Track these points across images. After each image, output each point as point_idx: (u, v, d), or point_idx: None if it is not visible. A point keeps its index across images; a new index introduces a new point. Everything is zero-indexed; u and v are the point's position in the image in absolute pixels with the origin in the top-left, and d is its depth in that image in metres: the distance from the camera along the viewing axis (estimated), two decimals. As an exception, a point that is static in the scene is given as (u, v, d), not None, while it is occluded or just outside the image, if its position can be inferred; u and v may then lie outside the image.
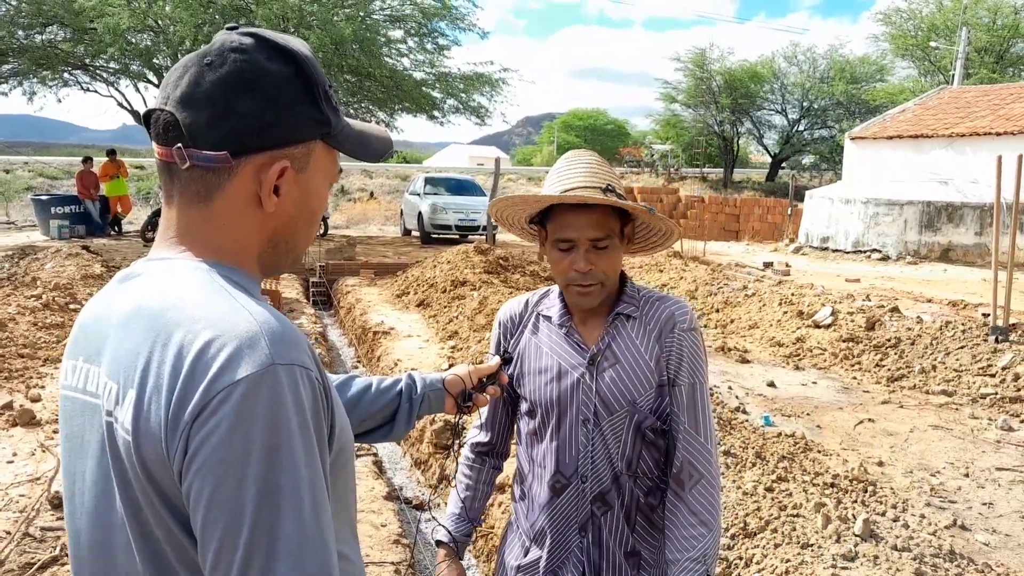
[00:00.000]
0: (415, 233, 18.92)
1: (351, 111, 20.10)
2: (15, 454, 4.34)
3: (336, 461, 0.94)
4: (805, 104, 37.82)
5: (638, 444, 1.61)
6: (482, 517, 1.89)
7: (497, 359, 1.62)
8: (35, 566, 3.16)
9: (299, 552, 0.81)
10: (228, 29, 0.98)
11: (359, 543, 1.06)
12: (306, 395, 0.85)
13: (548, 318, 1.70)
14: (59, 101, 19.10)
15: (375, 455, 5.21)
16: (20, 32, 16.57)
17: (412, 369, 6.24)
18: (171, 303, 0.88)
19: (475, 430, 1.87)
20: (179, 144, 0.93)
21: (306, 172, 0.99)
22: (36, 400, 5.24)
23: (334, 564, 0.85)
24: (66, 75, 18.47)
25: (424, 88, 19.01)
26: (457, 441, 1.78)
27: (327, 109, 0.99)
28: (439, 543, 1.81)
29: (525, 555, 1.72)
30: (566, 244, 1.58)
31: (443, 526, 1.81)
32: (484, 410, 1.82)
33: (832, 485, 4.03)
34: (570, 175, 1.58)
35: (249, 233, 0.98)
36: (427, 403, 1.49)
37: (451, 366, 4.50)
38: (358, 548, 1.05)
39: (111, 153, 17.44)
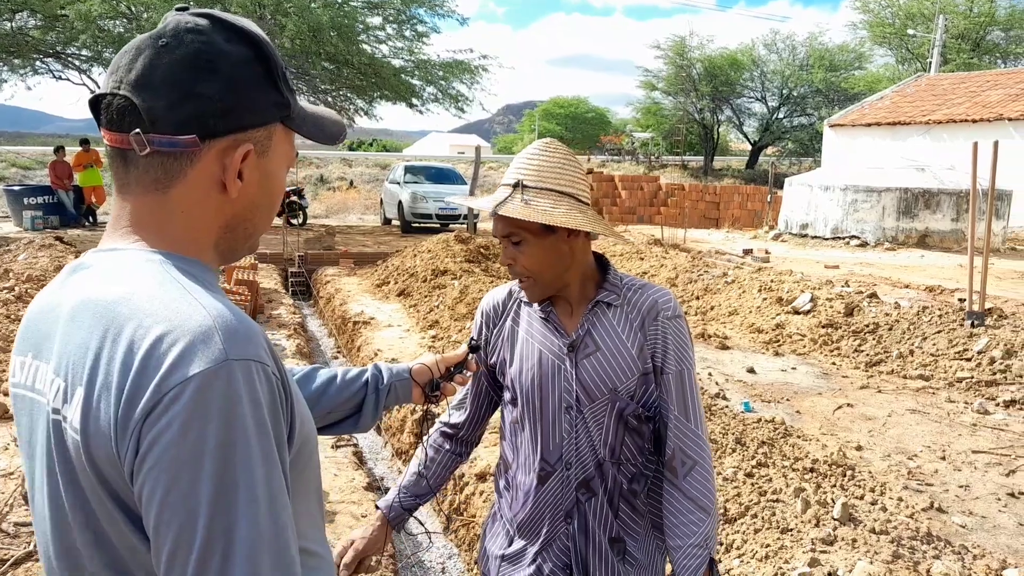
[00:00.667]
0: (395, 222, 18.81)
1: (329, 99, 19.89)
2: (-13, 449, 4.26)
3: (298, 457, 0.91)
4: (784, 92, 38.00)
5: (620, 431, 1.60)
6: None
7: (464, 347, 1.61)
8: (8, 562, 3.10)
9: (256, 553, 0.78)
10: (178, 10, 0.94)
11: (326, 537, 1.03)
12: (262, 391, 0.82)
13: (529, 305, 1.69)
14: (28, 89, 18.73)
15: (355, 445, 5.18)
16: (-11, 19, 16.22)
17: (392, 360, 6.20)
18: (121, 296, 0.84)
19: (449, 411, 1.86)
20: (137, 129, 0.88)
21: (267, 155, 0.97)
22: (9, 394, 5.16)
23: (293, 564, 0.83)
24: (37, 63, 18.11)
25: (403, 76, 18.86)
26: (428, 430, 1.76)
27: (286, 91, 0.96)
28: (376, 507, 1.80)
29: (509, 544, 1.71)
30: (497, 239, 1.61)
31: (397, 495, 1.79)
32: (460, 392, 1.80)
33: (811, 470, 4.06)
34: (511, 168, 1.59)
35: (207, 220, 0.94)
36: (394, 393, 1.48)
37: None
38: (325, 542, 1.02)
39: (84, 142, 17.14)
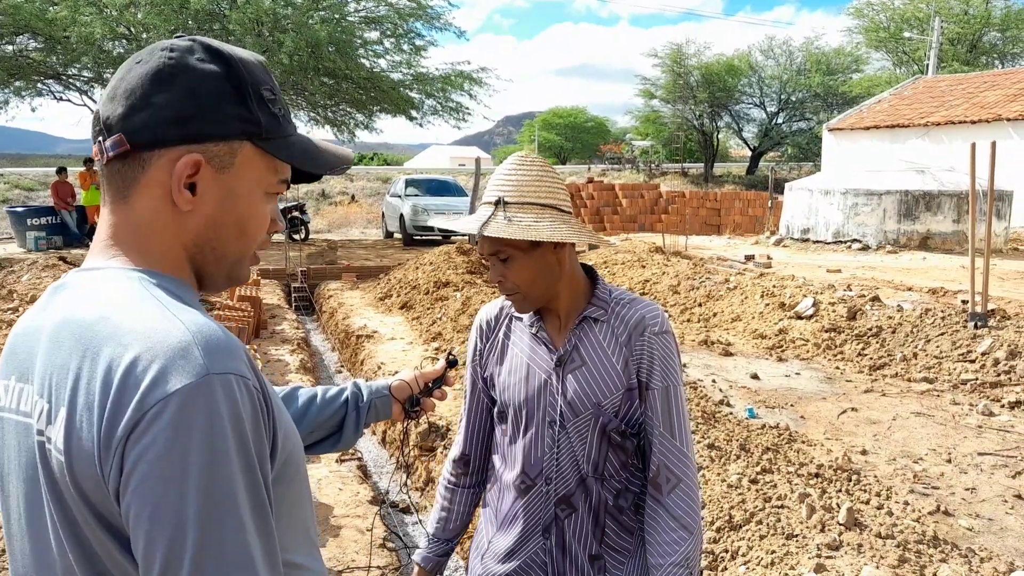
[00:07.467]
0: (397, 235, 18.86)
1: (329, 113, 19.96)
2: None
3: (284, 470, 0.91)
4: (783, 97, 38.04)
5: (604, 447, 1.60)
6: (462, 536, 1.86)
7: (442, 362, 1.61)
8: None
9: (246, 565, 0.79)
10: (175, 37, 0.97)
11: (318, 550, 1.03)
12: (244, 405, 0.82)
13: (520, 319, 1.70)
14: (33, 111, 18.94)
15: (360, 459, 5.18)
16: (-9, 42, 16.34)
17: (394, 373, 6.21)
18: (99, 315, 0.85)
19: (455, 445, 1.86)
20: (99, 138, 0.91)
21: (229, 172, 0.95)
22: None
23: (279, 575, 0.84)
24: (39, 85, 18.24)
25: (402, 89, 18.94)
26: (408, 445, 1.77)
27: (257, 110, 0.96)
28: (415, 563, 1.81)
29: (487, 554, 1.73)
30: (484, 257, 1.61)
31: (429, 545, 1.82)
32: (461, 423, 1.81)
33: (816, 475, 4.05)
34: (490, 186, 1.58)
35: (172, 235, 0.94)
36: (374, 410, 1.47)
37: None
38: (317, 554, 1.02)
39: (88, 162, 17.22)
